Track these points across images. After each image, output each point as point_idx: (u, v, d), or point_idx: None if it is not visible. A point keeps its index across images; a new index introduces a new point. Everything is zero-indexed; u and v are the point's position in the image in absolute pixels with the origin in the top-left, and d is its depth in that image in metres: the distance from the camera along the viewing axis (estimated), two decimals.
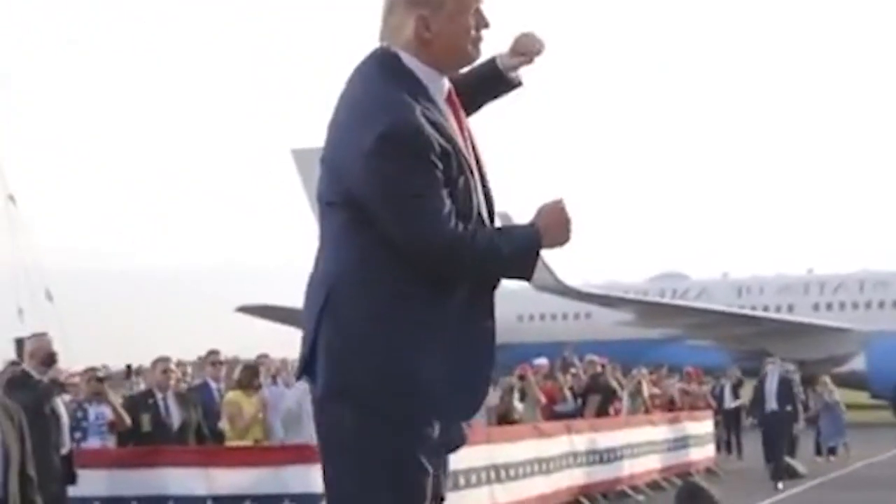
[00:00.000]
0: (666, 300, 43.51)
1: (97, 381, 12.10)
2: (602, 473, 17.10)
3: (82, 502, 10.48)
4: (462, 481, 12.68)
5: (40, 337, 10.37)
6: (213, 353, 14.82)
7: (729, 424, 25.19)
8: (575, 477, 16.21)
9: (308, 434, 11.46)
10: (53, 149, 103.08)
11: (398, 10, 3.68)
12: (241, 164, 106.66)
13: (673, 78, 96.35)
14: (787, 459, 20.60)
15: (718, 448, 23.62)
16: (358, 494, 3.60)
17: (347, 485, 3.62)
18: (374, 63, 3.69)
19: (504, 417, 16.56)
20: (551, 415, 17.89)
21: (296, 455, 10.70)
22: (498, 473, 13.88)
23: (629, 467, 18.09)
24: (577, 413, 18.28)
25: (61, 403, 10.05)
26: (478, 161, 3.77)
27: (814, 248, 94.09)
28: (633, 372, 22.35)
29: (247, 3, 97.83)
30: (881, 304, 41.99)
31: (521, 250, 3.65)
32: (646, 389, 21.27)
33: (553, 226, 3.69)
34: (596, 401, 18.58)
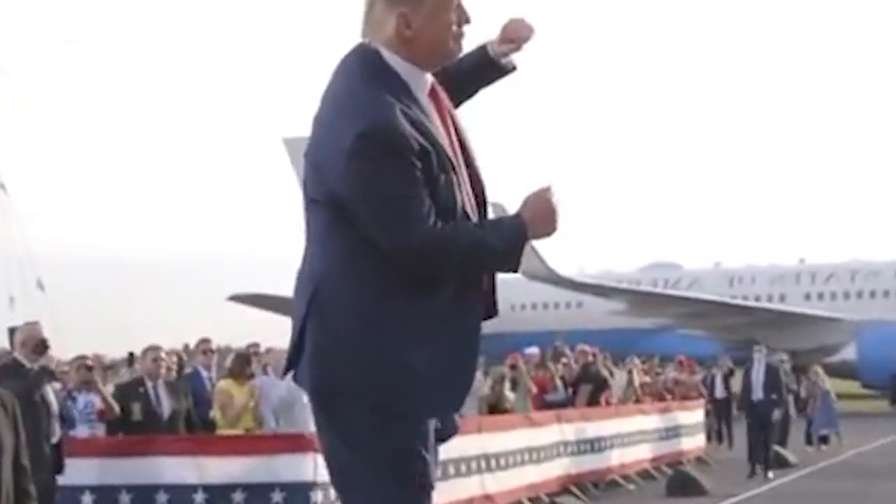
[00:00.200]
0: (658, 290, 43.62)
1: (86, 370, 12.07)
2: (593, 463, 17.12)
3: (72, 491, 10.43)
4: (452, 470, 12.68)
5: (32, 325, 10.35)
6: (205, 341, 14.73)
7: (720, 414, 25.25)
8: (565, 466, 16.22)
9: (300, 423, 11.45)
10: (45, 139, 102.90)
11: (378, 6, 3.66)
12: (233, 154, 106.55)
13: (670, 67, 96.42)
14: (777, 448, 20.62)
15: (709, 437, 23.67)
16: (364, 487, 3.61)
17: (352, 478, 3.63)
18: (355, 59, 3.68)
19: (495, 407, 16.56)
20: (542, 404, 17.87)
21: (287, 444, 10.67)
22: (489, 463, 13.88)
23: (620, 456, 18.12)
24: (569, 402, 18.28)
25: (51, 392, 10.03)
26: (466, 153, 3.76)
27: (805, 238, 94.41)
28: (624, 361, 22.41)
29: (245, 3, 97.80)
30: (872, 294, 42.13)
31: (507, 243, 3.64)
32: (637, 379, 21.31)
33: (539, 216, 3.67)
34: (587, 390, 18.59)
